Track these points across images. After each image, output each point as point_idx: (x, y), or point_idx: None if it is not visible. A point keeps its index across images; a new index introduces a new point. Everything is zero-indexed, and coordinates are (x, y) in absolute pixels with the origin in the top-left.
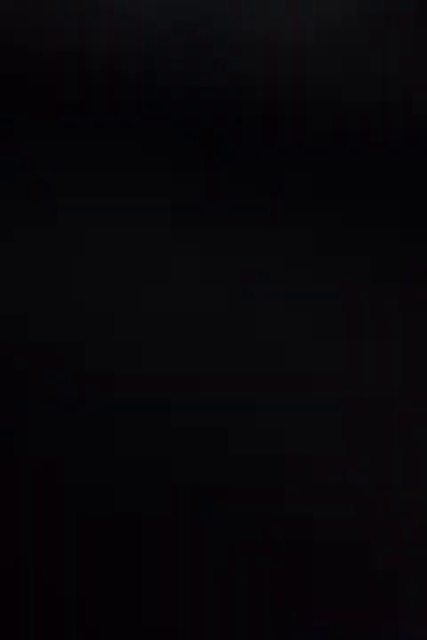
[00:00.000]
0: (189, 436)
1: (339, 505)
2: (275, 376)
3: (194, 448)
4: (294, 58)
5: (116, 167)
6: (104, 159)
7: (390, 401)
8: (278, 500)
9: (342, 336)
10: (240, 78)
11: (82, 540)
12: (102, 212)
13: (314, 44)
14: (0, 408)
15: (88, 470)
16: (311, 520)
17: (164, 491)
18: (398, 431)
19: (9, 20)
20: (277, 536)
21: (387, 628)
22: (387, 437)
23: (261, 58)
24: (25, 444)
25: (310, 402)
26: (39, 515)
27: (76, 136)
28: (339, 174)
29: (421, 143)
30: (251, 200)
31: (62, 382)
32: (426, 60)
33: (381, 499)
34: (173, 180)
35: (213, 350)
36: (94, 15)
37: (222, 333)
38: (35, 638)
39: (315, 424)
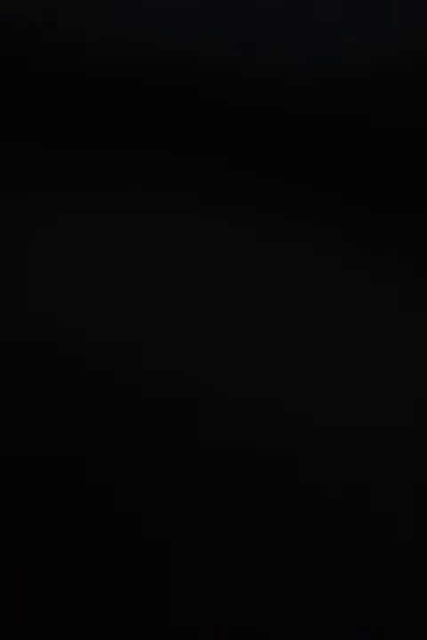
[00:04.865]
0: (190, 434)
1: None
2: (275, 374)
3: (196, 444)
4: (295, 69)
5: (116, 167)
6: (105, 160)
7: (390, 400)
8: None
9: (341, 332)
10: (246, 79)
11: (82, 540)
12: (102, 212)
13: (314, 44)
14: None
15: (88, 470)
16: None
17: (162, 486)
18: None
19: (9, 21)
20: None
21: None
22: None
23: (263, 57)
24: (25, 443)
25: (309, 401)
26: (39, 514)
27: (76, 137)
28: (339, 173)
29: (422, 141)
30: (251, 201)
31: (62, 383)
32: (426, 59)
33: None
34: (174, 176)
35: (213, 349)
36: (96, 18)
37: (224, 333)
38: (34, 637)
39: (313, 422)
